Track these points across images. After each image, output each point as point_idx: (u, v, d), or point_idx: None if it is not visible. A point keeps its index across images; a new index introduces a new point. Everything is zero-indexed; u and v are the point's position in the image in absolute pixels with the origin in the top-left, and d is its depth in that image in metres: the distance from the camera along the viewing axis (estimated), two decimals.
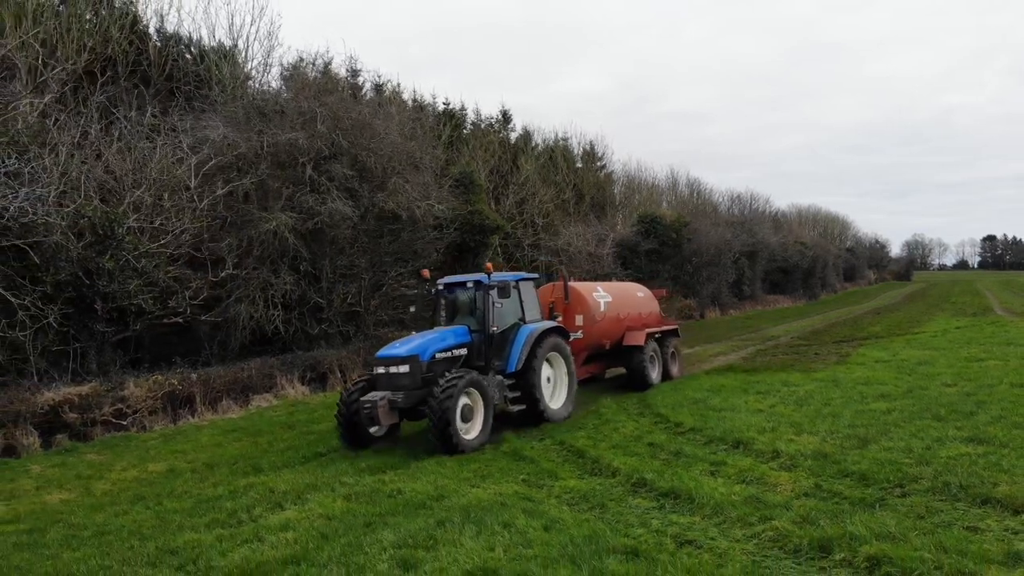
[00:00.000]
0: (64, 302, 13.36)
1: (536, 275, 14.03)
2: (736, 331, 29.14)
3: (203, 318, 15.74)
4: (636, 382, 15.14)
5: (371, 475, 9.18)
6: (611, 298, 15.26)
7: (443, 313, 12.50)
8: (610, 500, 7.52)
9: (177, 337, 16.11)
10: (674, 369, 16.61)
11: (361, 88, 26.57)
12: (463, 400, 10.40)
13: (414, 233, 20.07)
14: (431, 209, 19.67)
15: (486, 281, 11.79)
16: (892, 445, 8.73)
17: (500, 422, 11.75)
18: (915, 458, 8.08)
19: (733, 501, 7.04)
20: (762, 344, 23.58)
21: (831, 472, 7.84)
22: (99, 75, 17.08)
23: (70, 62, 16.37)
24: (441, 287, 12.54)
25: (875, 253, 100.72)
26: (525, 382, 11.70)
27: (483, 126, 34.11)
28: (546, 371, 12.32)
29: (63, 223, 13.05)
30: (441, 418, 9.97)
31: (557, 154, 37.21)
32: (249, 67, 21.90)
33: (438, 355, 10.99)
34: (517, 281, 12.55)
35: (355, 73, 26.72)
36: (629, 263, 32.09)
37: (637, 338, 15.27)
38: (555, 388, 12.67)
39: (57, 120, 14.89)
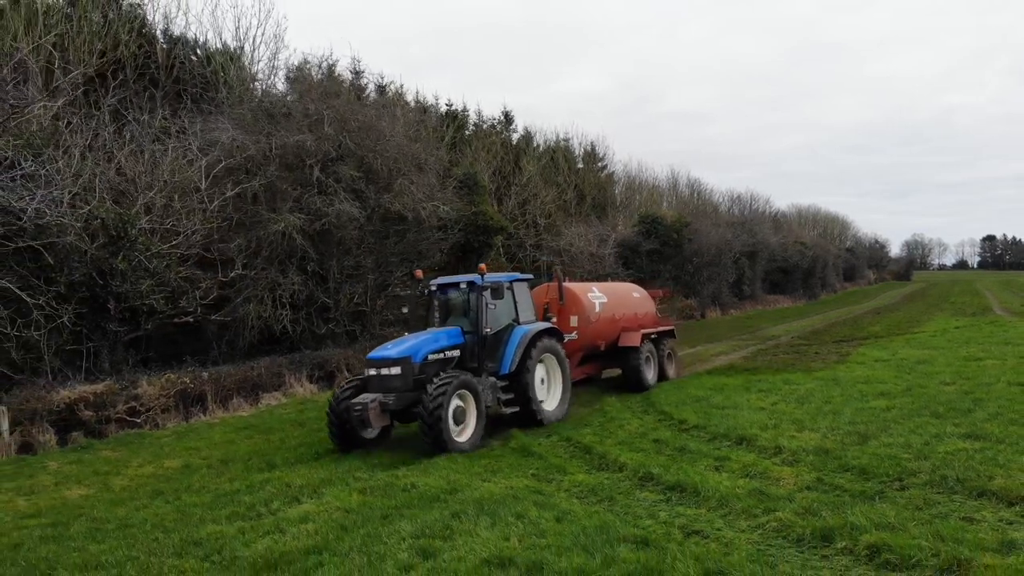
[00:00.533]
0: (78, 302, 13.59)
1: (530, 276, 14.04)
2: (737, 331, 29.39)
3: (212, 318, 15.99)
4: (632, 383, 15.05)
5: (384, 470, 9.42)
6: (606, 299, 15.17)
7: (436, 314, 12.43)
8: (618, 493, 7.77)
9: (185, 337, 16.36)
10: (670, 370, 16.50)
11: (364, 89, 26.83)
12: (455, 402, 10.33)
13: (419, 234, 20.31)
14: (436, 210, 19.90)
15: (479, 282, 11.73)
16: (891, 441, 8.98)
17: (505, 421, 11.91)
18: (914, 453, 8.32)
19: (738, 494, 7.28)
20: (763, 344, 23.82)
21: (832, 467, 8.08)
22: (111, 78, 17.33)
23: (83, 65, 16.61)
24: (434, 288, 12.46)
25: (875, 253, 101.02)
26: (519, 384, 11.61)
27: (485, 127, 34.41)
28: (540, 372, 12.26)
29: (77, 224, 13.29)
30: (432, 420, 9.89)
31: (558, 155, 37.50)
32: (255, 69, 22.18)
33: (431, 357, 10.88)
34: (511, 282, 12.48)
35: (358, 74, 27.01)
36: (631, 263, 32.34)
37: (633, 339, 15.18)
38: (549, 390, 12.57)
39: (69, 123, 15.13)
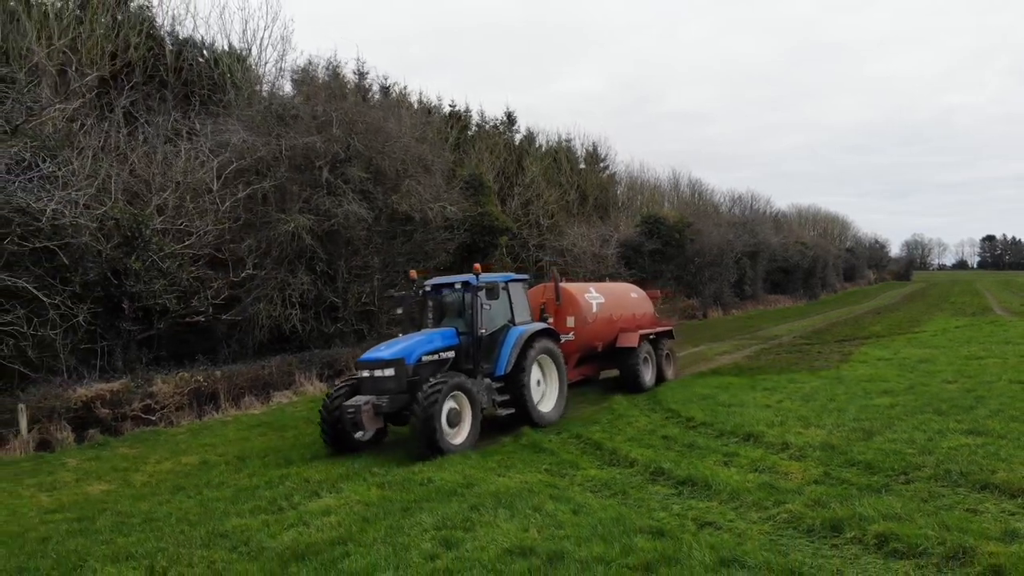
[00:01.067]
0: (93, 301, 13.81)
1: (526, 276, 13.86)
2: (739, 331, 29.61)
3: (223, 317, 16.20)
4: (629, 384, 14.86)
5: (399, 466, 9.62)
6: (604, 299, 15.00)
7: (431, 315, 12.28)
8: (631, 488, 7.98)
9: (194, 336, 16.58)
10: (668, 371, 16.25)
11: (369, 90, 27.06)
12: (449, 404, 10.17)
13: (426, 234, 20.56)
14: (443, 211, 20.12)
15: (474, 282, 11.52)
16: (896, 437, 9.18)
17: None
18: (918, 448, 8.53)
19: (748, 488, 7.49)
20: (765, 343, 24.03)
21: (839, 462, 8.28)
22: (125, 80, 17.55)
23: (95, 67, 16.82)
24: (428, 288, 12.33)
25: (875, 253, 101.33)
26: (514, 385, 11.45)
27: (488, 128, 34.65)
28: (536, 374, 12.09)
29: (93, 225, 13.50)
30: (425, 423, 9.72)
31: (561, 155, 37.74)
32: (263, 71, 22.38)
33: (424, 358, 10.72)
34: (506, 282, 12.29)
35: (362, 75, 27.23)
36: (633, 263, 32.58)
37: (630, 340, 14.99)
38: (545, 391, 12.40)
39: (83, 125, 15.34)
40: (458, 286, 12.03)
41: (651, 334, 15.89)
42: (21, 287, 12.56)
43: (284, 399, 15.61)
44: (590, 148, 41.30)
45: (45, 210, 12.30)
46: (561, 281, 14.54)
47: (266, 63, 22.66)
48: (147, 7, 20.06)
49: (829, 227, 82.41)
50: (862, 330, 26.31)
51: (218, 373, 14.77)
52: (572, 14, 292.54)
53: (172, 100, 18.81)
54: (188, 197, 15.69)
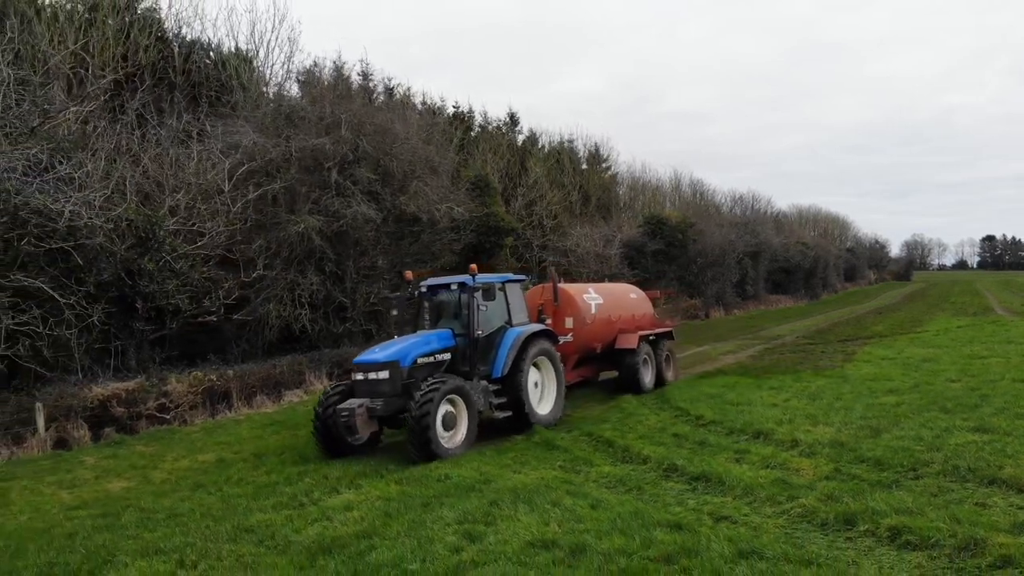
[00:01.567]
0: (107, 301, 13.96)
1: (524, 276, 13.73)
2: (741, 331, 29.80)
3: (234, 317, 16.37)
4: (628, 386, 14.72)
5: (414, 464, 9.78)
6: (602, 300, 14.89)
7: (427, 316, 12.13)
8: (645, 484, 8.15)
9: (205, 335, 16.74)
10: (668, 373, 16.06)
11: (373, 91, 27.23)
12: (444, 407, 10.01)
13: (433, 235, 20.73)
14: (450, 212, 20.28)
15: (471, 283, 11.35)
16: (903, 434, 9.36)
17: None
18: (926, 445, 8.70)
19: (761, 483, 7.66)
20: (768, 343, 24.22)
21: (848, 458, 8.46)
22: (139, 83, 17.72)
23: (108, 69, 16.99)
24: (424, 289, 12.18)
25: (875, 253, 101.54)
26: (511, 387, 11.29)
27: (491, 128, 34.84)
28: (534, 376, 11.94)
29: (107, 226, 13.65)
30: (419, 427, 9.55)
31: (563, 156, 37.92)
32: (270, 73, 22.56)
33: (420, 360, 10.57)
34: (503, 283, 12.11)
35: (367, 77, 27.40)
36: (636, 264, 32.77)
37: (630, 341, 14.84)
38: (543, 393, 12.25)
39: (96, 127, 15.50)
40: (454, 287, 11.88)
41: (651, 335, 15.77)
42: (37, 287, 12.72)
43: (295, 398, 15.78)
44: (592, 149, 41.52)
45: (62, 211, 12.47)
46: (560, 282, 14.48)
47: (273, 64, 22.87)
48: (155, 9, 20.25)
49: (829, 227, 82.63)
50: (864, 330, 26.50)
51: (231, 372, 14.94)
52: (572, 14, 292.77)
53: (181, 102, 18.98)
54: (200, 198, 15.85)
